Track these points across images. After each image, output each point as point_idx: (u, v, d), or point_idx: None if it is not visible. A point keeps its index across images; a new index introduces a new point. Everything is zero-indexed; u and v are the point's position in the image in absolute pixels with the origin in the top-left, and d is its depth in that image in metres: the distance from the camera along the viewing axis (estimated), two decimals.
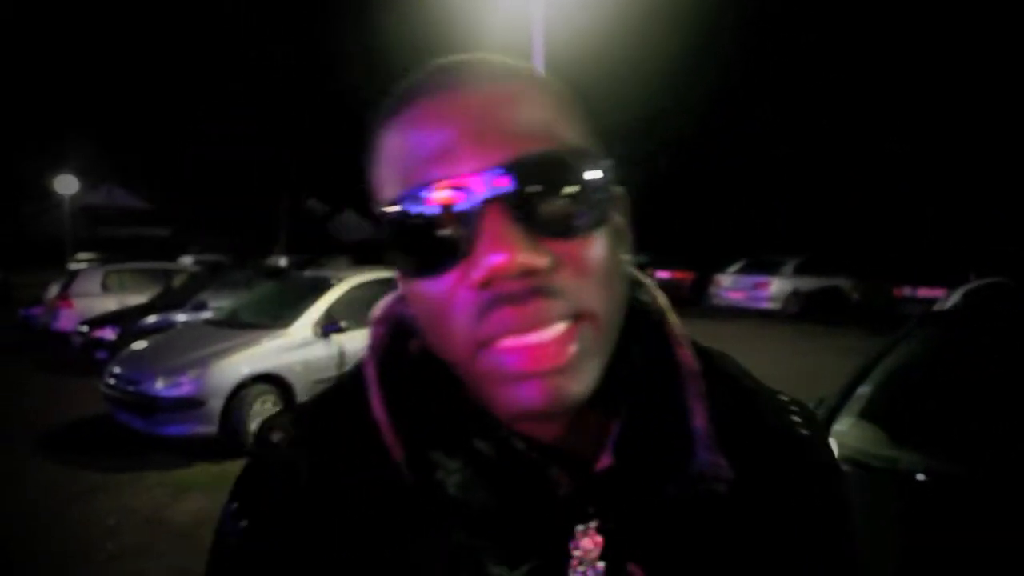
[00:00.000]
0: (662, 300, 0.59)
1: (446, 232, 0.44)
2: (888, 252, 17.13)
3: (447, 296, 0.45)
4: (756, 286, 15.98)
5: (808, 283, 15.76)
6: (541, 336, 0.43)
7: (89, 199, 37.47)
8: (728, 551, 0.52)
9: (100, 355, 8.84)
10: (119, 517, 4.50)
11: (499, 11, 7.50)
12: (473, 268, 0.43)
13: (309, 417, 0.57)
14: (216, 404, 5.65)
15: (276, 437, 0.55)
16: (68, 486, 5.07)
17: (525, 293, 0.43)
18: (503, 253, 0.42)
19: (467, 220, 0.44)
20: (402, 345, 0.56)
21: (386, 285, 7.31)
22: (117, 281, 11.66)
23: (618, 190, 0.52)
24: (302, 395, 6.10)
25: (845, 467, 2.29)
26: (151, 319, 9.40)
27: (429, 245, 0.45)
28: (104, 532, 4.28)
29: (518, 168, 0.44)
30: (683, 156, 25.06)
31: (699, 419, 0.52)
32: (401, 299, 0.58)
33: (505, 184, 0.43)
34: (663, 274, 18.75)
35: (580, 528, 0.50)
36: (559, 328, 0.44)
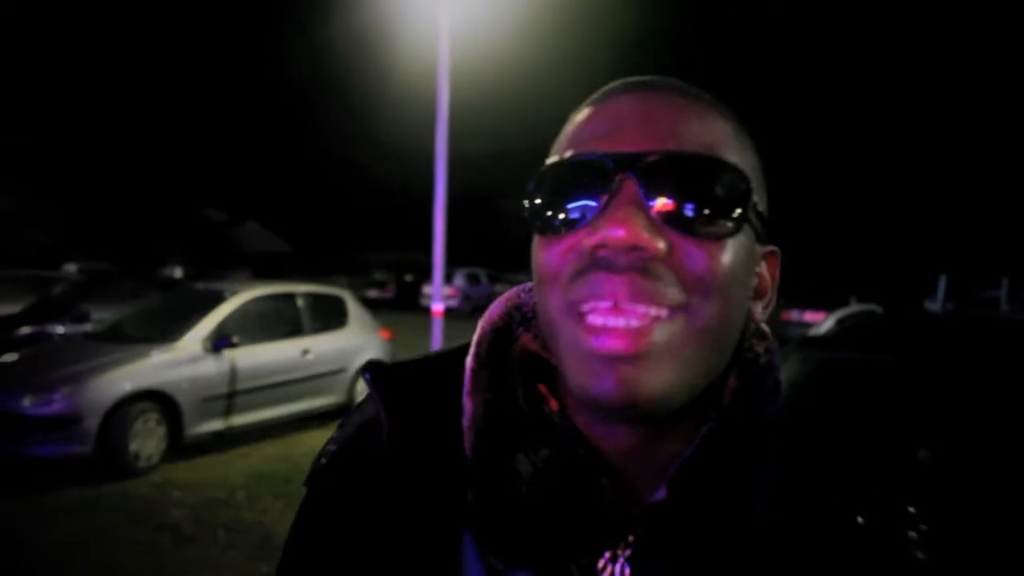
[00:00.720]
0: (775, 359, 0.58)
1: (579, 200, 0.48)
2: (780, 276, 18.07)
3: (558, 260, 0.49)
4: None
5: None
6: (628, 321, 0.45)
7: None
8: None
9: None
10: None
11: (408, 22, 7.52)
12: (592, 234, 0.46)
13: (397, 386, 0.59)
14: (92, 423, 5.26)
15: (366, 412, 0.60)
16: None
17: (626, 265, 0.45)
18: (621, 227, 0.45)
19: (604, 190, 0.47)
20: (511, 332, 0.59)
21: (283, 300, 7.08)
22: None
23: (770, 247, 0.56)
24: (189, 413, 5.80)
25: None
26: (24, 330, 8.72)
27: (560, 208, 0.49)
28: None
29: (662, 157, 0.47)
30: None
31: (765, 479, 0.51)
32: (530, 288, 0.60)
33: (646, 169, 0.47)
34: None
35: (611, 553, 0.50)
36: (649, 311, 0.45)
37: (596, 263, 0.46)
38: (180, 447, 5.82)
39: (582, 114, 0.53)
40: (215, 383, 6.00)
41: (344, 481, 0.57)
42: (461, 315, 18.53)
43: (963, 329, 3.27)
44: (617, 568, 0.50)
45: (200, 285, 8.17)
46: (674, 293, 0.46)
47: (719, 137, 0.51)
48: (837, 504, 0.53)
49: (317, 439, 6.58)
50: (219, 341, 6.11)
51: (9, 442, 5.26)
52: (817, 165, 22.06)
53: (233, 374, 6.12)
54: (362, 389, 7.42)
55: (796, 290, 15.61)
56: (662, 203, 0.46)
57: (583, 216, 0.48)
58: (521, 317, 0.60)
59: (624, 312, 0.45)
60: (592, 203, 0.47)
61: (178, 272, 24.83)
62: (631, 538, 0.50)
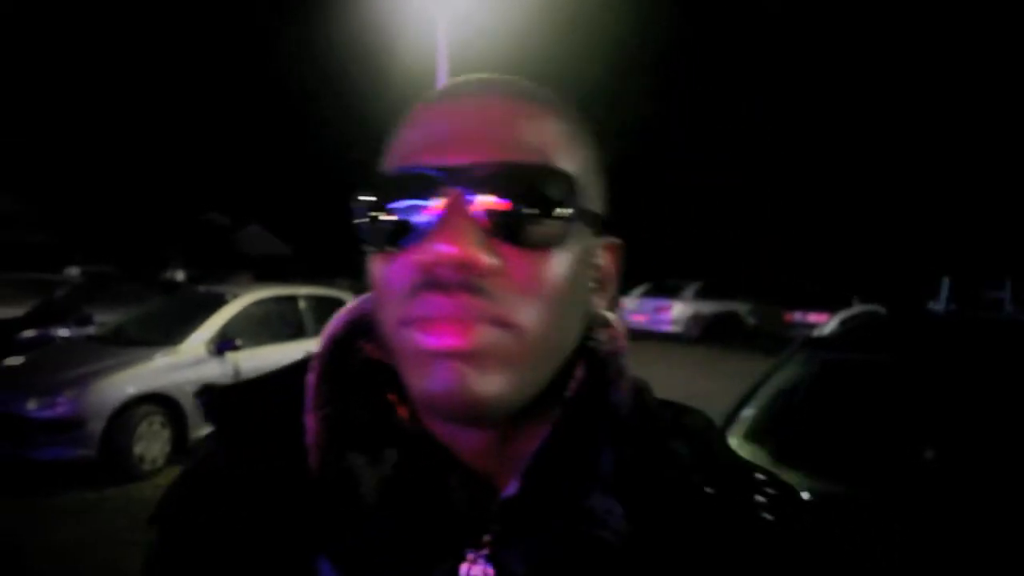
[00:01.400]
0: (620, 344, 0.58)
1: (407, 216, 0.47)
2: (781, 277, 18.08)
3: (392, 276, 0.48)
4: (658, 309, 16.48)
5: (708, 307, 16.39)
6: (458, 325, 0.45)
7: None
8: None
9: None
10: None
11: (405, 23, 7.52)
12: (422, 251, 0.45)
13: (234, 409, 0.57)
14: (96, 426, 5.28)
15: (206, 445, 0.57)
16: None
17: (455, 284, 0.44)
18: (452, 244, 0.44)
19: (434, 206, 0.46)
20: (353, 341, 0.57)
21: (285, 302, 7.09)
22: None
23: (611, 239, 0.56)
24: (193, 416, 5.81)
25: None
26: (28, 333, 8.74)
27: (391, 225, 0.48)
28: None
29: (491, 170, 0.46)
30: None
31: (606, 460, 0.52)
32: (370, 298, 0.59)
33: (473, 182, 0.46)
34: None
35: (471, 554, 0.49)
36: (479, 327, 0.45)
37: (428, 283, 0.45)
38: (184, 450, 5.82)
39: (408, 122, 0.52)
40: None
41: (189, 519, 0.53)
42: None
43: (965, 329, 3.26)
44: (479, 570, 0.49)
45: (202, 288, 8.19)
46: (504, 308, 0.46)
47: (550, 138, 0.50)
48: (685, 479, 0.54)
49: None
50: (222, 344, 6.11)
51: (14, 445, 5.28)
52: (818, 166, 22.03)
53: (236, 377, 6.12)
54: None
55: (799, 292, 15.60)
56: (491, 215, 0.46)
57: (414, 232, 0.47)
58: (365, 327, 0.57)
59: (455, 325, 0.45)
60: (422, 219, 0.46)
61: (180, 275, 24.83)
62: (486, 537, 0.49)
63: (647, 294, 17.21)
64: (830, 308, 13.05)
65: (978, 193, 20.45)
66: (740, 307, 16.74)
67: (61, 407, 5.26)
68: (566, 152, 0.50)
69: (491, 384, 0.45)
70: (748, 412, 2.75)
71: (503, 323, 0.45)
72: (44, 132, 37.13)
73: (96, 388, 5.40)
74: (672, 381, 10.32)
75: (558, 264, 0.48)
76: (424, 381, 0.46)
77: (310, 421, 0.53)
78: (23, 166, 38.57)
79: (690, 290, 16.68)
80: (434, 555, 0.48)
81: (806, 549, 0.55)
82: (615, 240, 0.57)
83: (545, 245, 0.47)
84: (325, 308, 7.43)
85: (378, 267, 0.50)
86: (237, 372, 6.12)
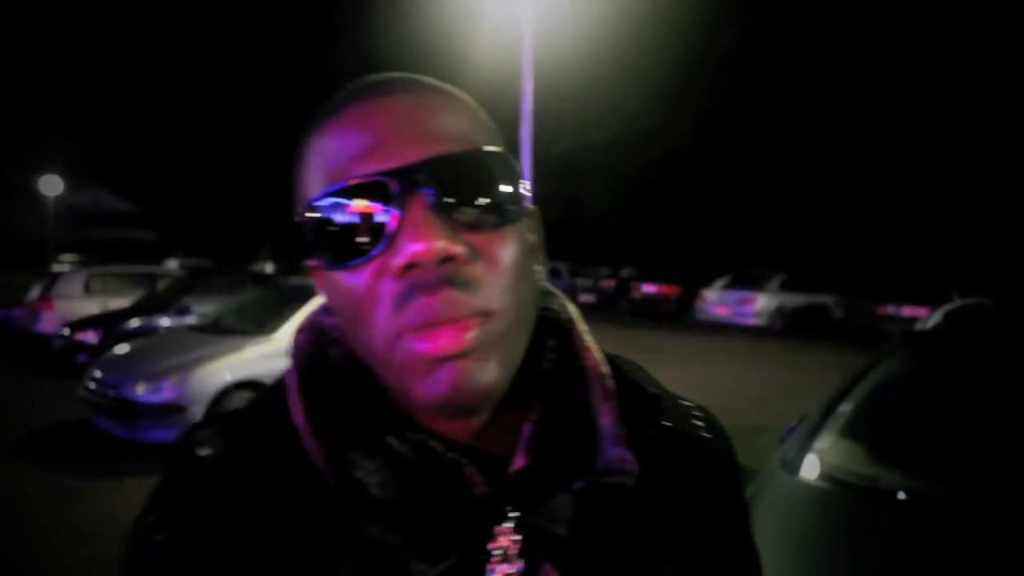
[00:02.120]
0: (572, 310, 0.62)
1: (369, 224, 0.47)
2: (872, 270, 17.28)
3: (368, 288, 0.48)
4: (741, 302, 16.07)
5: (793, 299, 15.87)
6: (451, 324, 0.46)
7: (74, 200, 37.11)
8: (636, 543, 0.55)
9: (81, 358, 8.74)
10: (95, 524, 4.43)
11: (488, 21, 7.56)
12: (394, 255, 0.46)
13: (231, 426, 0.56)
14: (198, 410, 5.59)
15: (198, 447, 0.54)
16: (44, 492, 4.99)
17: (439, 282, 0.46)
18: (423, 241, 0.45)
19: (389, 212, 0.46)
20: (324, 353, 0.57)
21: None
22: (100, 284, 11.54)
23: (531, 208, 0.57)
24: None
25: (826, 485, 2.30)
26: (134, 323, 9.32)
27: (352, 237, 0.48)
28: (79, 539, 4.22)
29: (437, 164, 0.47)
30: (672, 171, 25.24)
31: (605, 417, 0.55)
32: (324, 310, 0.60)
33: (426, 179, 0.47)
34: (650, 288, 18.80)
35: (498, 527, 0.51)
36: (469, 320, 0.47)
37: (410, 287, 0.46)
38: None
39: (329, 132, 0.50)
40: None
41: (201, 518, 0.51)
42: None
43: None
44: (507, 541, 0.51)
45: (293, 280, 8.50)
46: (485, 294, 0.47)
47: (473, 126, 0.52)
48: (651, 416, 0.59)
49: None
50: None
51: (124, 427, 5.66)
52: (908, 152, 20.91)
53: None
54: None
55: (891, 283, 14.90)
56: (448, 207, 0.47)
57: (377, 239, 0.47)
58: (328, 339, 0.57)
59: (446, 323, 0.46)
60: (381, 225, 0.47)
61: (269, 267, 25.90)
62: (508, 509, 0.51)
63: (729, 286, 16.80)
64: (926, 301, 12.41)
65: None
66: (827, 300, 16.13)
67: (166, 392, 5.59)
68: (488, 136, 0.52)
69: (489, 373, 0.48)
70: (845, 408, 2.65)
71: (485, 313, 0.47)
72: (148, 135, 39.38)
73: (197, 375, 5.71)
74: (761, 372, 10.04)
75: (513, 241, 0.50)
76: (428, 386, 0.47)
77: (307, 439, 0.51)
78: (129, 168, 41.06)
79: (775, 282, 16.17)
80: (462, 537, 0.50)
81: (730, 451, 0.66)
82: (534, 209, 0.58)
83: (499, 225, 0.49)
84: None
85: (344, 287, 0.49)
86: None
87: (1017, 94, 19.08)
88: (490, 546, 0.50)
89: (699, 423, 0.65)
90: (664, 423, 0.60)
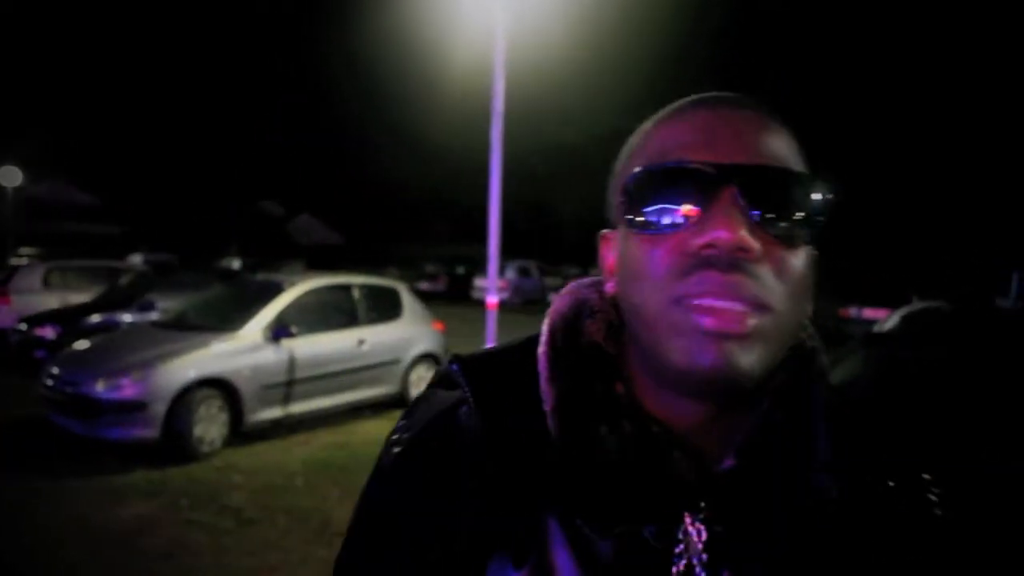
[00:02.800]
0: (817, 343, 0.66)
1: (685, 202, 0.53)
2: (836, 273, 17.61)
3: (662, 254, 0.54)
4: None
5: None
6: (733, 305, 0.50)
7: (34, 192, 36.13)
8: (814, 573, 0.56)
9: (39, 354, 8.53)
10: (54, 522, 4.33)
11: (462, 20, 7.53)
12: (698, 235, 0.52)
13: (478, 372, 0.64)
14: (159, 408, 5.49)
15: (446, 386, 0.67)
16: (8, 492, 4.86)
17: (730, 264, 0.51)
18: (728, 229, 0.51)
19: (706, 196, 0.52)
20: (579, 323, 0.64)
21: (339, 291, 7.22)
22: (60, 278, 11.25)
23: (815, 251, 0.61)
24: (249, 400, 5.99)
25: None
26: (94, 318, 9.12)
27: (666, 208, 0.54)
28: (40, 537, 4.12)
29: (754, 172, 0.53)
30: None
31: (823, 448, 0.59)
32: (588, 284, 0.68)
33: (742, 179, 0.52)
34: None
35: (689, 516, 0.55)
36: (750, 306, 0.51)
37: (702, 261, 0.51)
38: (240, 433, 6.01)
39: (665, 124, 0.58)
40: (274, 372, 6.17)
41: (426, 465, 0.62)
42: (512, 308, 18.58)
43: None
44: (694, 531, 0.55)
45: (259, 276, 8.39)
46: (767, 291, 0.52)
47: (791, 152, 0.57)
48: (874, 471, 0.62)
49: (372, 427, 6.70)
50: (278, 331, 6.27)
51: (84, 424, 5.53)
52: (875, 157, 21.35)
53: (292, 363, 6.28)
54: (415, 379, 7.52)
55: (855, 287, 15.18)
56: (758, 210, 0.52)
57: (684, 219, 0.53)
58: (588, 311, 0.65)
59: (732, 303, 0.51)
60: (693, 207, 0.53)
61: (236, 263, 25.51)
62: (703, 503, 0.56)
63: None
64: (886, 304, 12.68)
65: None
66: None
67: (127, 389, 5.48)
68: (799, 161, 0.57)
69: (751, 362, 0.51)
70: None
71: (764, 306, 0.52)
72: (110, 130, 38.52)
73: (160, 372, 5.60)
74: None
75: (802, 258, 0.55)
76: (693, 354, 0.51)
77: (549, 390, 0.60)
78: (93, 161, 40.12)
79: None
80: (656, 514, 0.55)
81: (970, 539, 0.64)
82: (816, 252, 0.62)
83: (797, 242, 0.54)
84: (378, 297, 7.55)
85: (641, 248, 0.55)
86: (292, 359, 6.27)
87: (985, 104, 19.62)
88: (679, 532, 0.55)
89: (933, 498, 0.64)
90: (889, 483, 0.62)
